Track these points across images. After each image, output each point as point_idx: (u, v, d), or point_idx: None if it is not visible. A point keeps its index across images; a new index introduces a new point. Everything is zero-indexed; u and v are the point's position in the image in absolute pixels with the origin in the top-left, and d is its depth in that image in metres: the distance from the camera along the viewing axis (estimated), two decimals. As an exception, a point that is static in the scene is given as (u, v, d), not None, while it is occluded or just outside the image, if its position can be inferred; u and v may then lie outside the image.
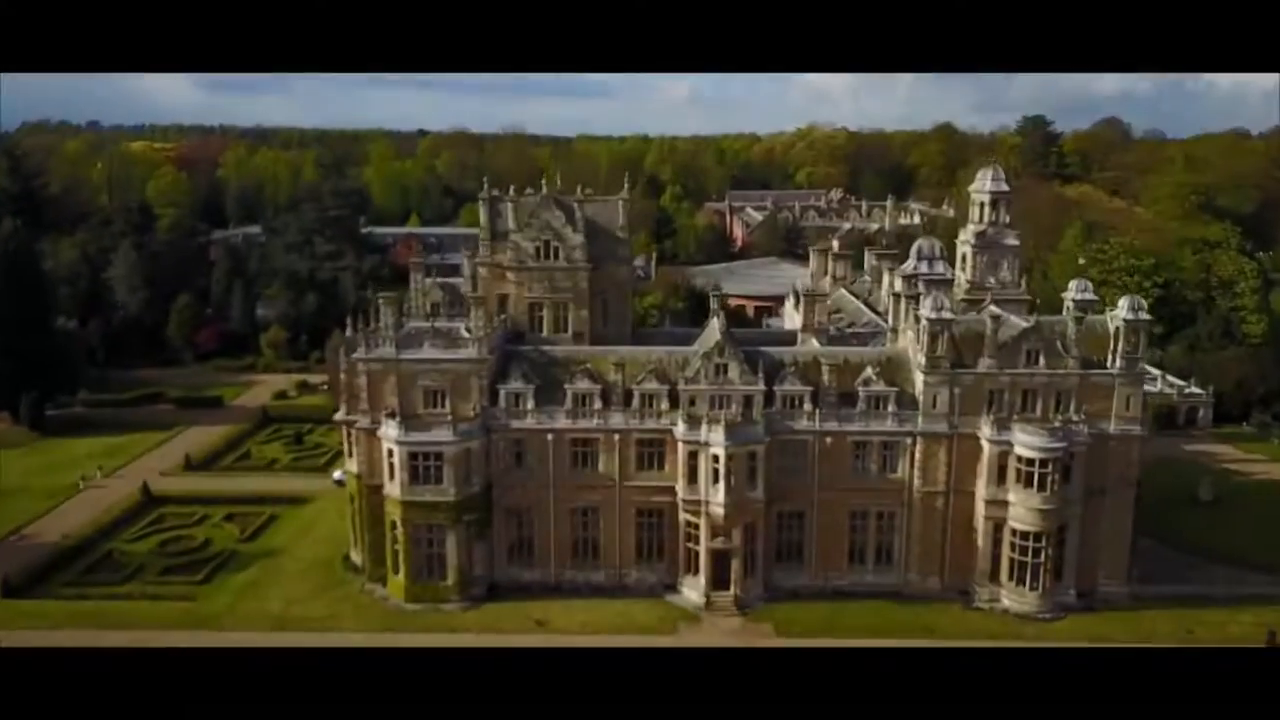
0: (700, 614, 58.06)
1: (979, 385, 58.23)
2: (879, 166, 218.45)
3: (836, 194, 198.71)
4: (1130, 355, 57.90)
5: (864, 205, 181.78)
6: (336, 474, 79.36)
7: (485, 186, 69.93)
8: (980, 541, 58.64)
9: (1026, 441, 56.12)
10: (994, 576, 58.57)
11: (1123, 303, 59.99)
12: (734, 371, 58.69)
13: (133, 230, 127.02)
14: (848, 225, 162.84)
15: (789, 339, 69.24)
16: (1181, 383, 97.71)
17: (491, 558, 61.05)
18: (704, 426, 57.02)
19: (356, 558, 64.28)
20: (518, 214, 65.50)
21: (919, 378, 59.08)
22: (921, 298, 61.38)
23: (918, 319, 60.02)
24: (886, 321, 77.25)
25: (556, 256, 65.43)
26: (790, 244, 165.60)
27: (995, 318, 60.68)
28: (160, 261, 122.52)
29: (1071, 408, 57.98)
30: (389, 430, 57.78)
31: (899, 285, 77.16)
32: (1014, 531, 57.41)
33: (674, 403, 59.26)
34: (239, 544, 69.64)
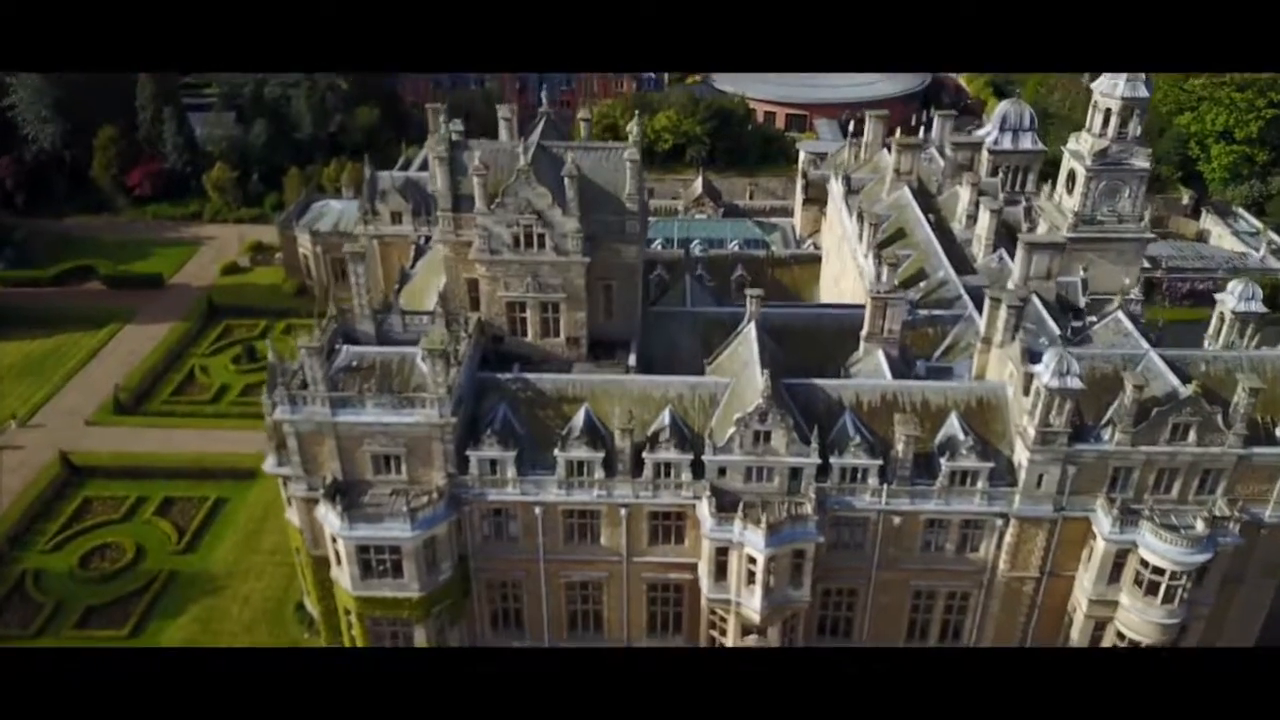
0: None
1: (1101, 462, 44.04)
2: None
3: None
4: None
5: None
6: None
7: (441, 122, 51.10)
8: (1075, 637, 47.23)
9: (1159, 550, 42.99)
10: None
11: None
12: (779, 440, 44.28)
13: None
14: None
15: (847, 335, 52.97)
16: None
17: (474, 629, 50.18)
18: (737, 525, 43.71)
19: (310, 605, 53.47)
20: (488, 183, 47.39)
21: (1020, 445, 44.71)
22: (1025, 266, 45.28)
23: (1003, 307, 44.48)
24: (969, 246, 61.12)
25: (542, 246, 48.36)
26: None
27: (1128, 356, 45.25)
28: (72, 85, 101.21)
29: (1220, 490, 44.23)
30: (329, 517, 44.61)
31: (984, 216, 60.19)
32: (1121, 636, 45.85)
33: (698, 471, 45.49)
34: (175, 555, 58.75)
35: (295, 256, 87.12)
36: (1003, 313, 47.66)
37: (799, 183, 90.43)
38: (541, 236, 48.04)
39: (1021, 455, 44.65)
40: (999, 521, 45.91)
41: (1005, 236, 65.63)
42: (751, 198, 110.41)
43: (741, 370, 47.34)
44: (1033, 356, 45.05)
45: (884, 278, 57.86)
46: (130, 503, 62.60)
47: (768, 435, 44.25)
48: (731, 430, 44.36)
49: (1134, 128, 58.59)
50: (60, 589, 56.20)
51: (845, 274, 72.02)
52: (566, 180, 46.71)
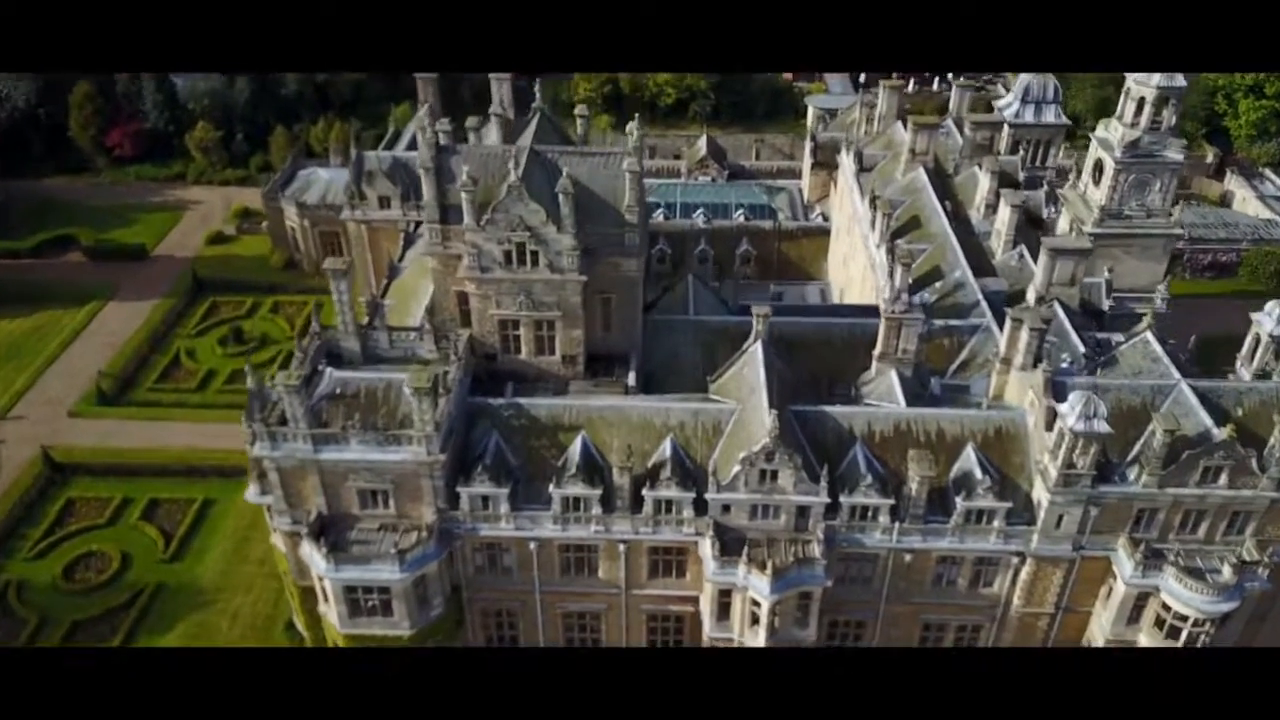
0: None
1: (1125, 504, 41.78)
2: None
3: None
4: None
5: None
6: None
7: (425, 120, 47.56)
8: (1089, 673, 45.61)
9: (1183, 597, 41.02)
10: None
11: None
12: (786, 478, 41.93)
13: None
14: None
15: (858, 346, 50.18)
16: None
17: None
18: (740, 569, 41.66)
19: (299, 624, 51.92)
20: (477, 195, 44.01)
21: (1039, 483, 42.37)
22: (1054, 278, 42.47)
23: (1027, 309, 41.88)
24: (988, 239, 57.90)
25: (535, 263, 45.27)
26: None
27: (1158, 388, 42.64)
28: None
29: (1249, 531, 42.07)
30: (314, 557, 42.61)
31: (1004, 210, 56.84)
32: (1137, 675, 44.20)
33: (700, 507, 43.27)
34: (163, 565, 57.10)
35: (282, 228, 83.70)
36: (1024, 335, 44.82)
37: (807, 145, 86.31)
38: (535, 254, 44.96)
39: (1041, 493, 42.35)
40: (1014, 559, 43.89)
41: (1025, 225, 62.42)
42: (758, 157, 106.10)
43: (748, 397, 44.76)
44: (1056, 389, 42.47)
45: (898, 281, 55.09)
46: (115, 505, 60.66)
47: (774, 474, 41.90)
48: (736, 469, 41.99)
49: (1168, 117, 54.77)
50: (44, 602, 54.65)
51: (855, 257, 68.87)
52: (561, 197, 43.42)
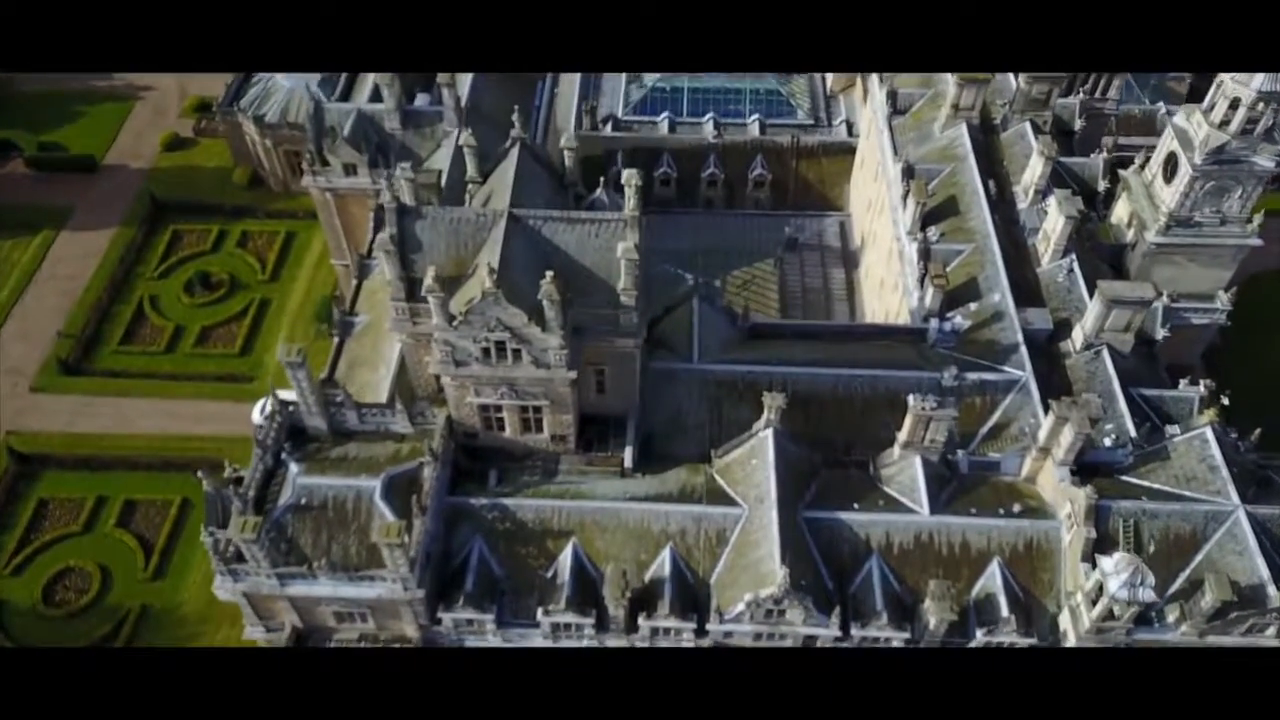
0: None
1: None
2: None
3: None
4: None
5: None
6: (258, 414, 60.70)
7: (386, 189, 40.14)
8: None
9: (1207, 741, 38.92)
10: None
11: None
12: (795, 614, 38.60)
13: None
14: None
15: (880, 406, 44.85)
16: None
17: None
18: (743, 709, 39.30)
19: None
20: (446, 269, 37.37)
21: (1068, 617, 39.08)
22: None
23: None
24: (1032, 234, 51.28)
25: (518, 358, 39.37)
26: None
27: (1211, 515, 38.36)
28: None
29: (1287, 667, 39.29)
30: (291, 682, 40.23)
31: (1056, 216, 49.76)
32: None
33: (700, 628, 40.29)
34: (145, 584, 55.26)
35: (242, 142, 75.01)
36: (1068, 435, 39.95)
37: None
38: (518, 350, 39.11)
39: (1068, 626, 39.21)
40: (1033, 676, 41.48)
41: (1077, 193, 55.12)
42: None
43: (755, 503, 40.58)
44: (1100, 515, 38.31)
45: (929, 300, 49.58)
46: (90, 507, 57.95)
47: (782, 611, 38.62)
48: (741, 608, 38.60)
49: (1265, 122, 46.36)
50: (27, 628, 53.30)
51: (881, 217, 61.94)
52: (546, 303, 36.98)
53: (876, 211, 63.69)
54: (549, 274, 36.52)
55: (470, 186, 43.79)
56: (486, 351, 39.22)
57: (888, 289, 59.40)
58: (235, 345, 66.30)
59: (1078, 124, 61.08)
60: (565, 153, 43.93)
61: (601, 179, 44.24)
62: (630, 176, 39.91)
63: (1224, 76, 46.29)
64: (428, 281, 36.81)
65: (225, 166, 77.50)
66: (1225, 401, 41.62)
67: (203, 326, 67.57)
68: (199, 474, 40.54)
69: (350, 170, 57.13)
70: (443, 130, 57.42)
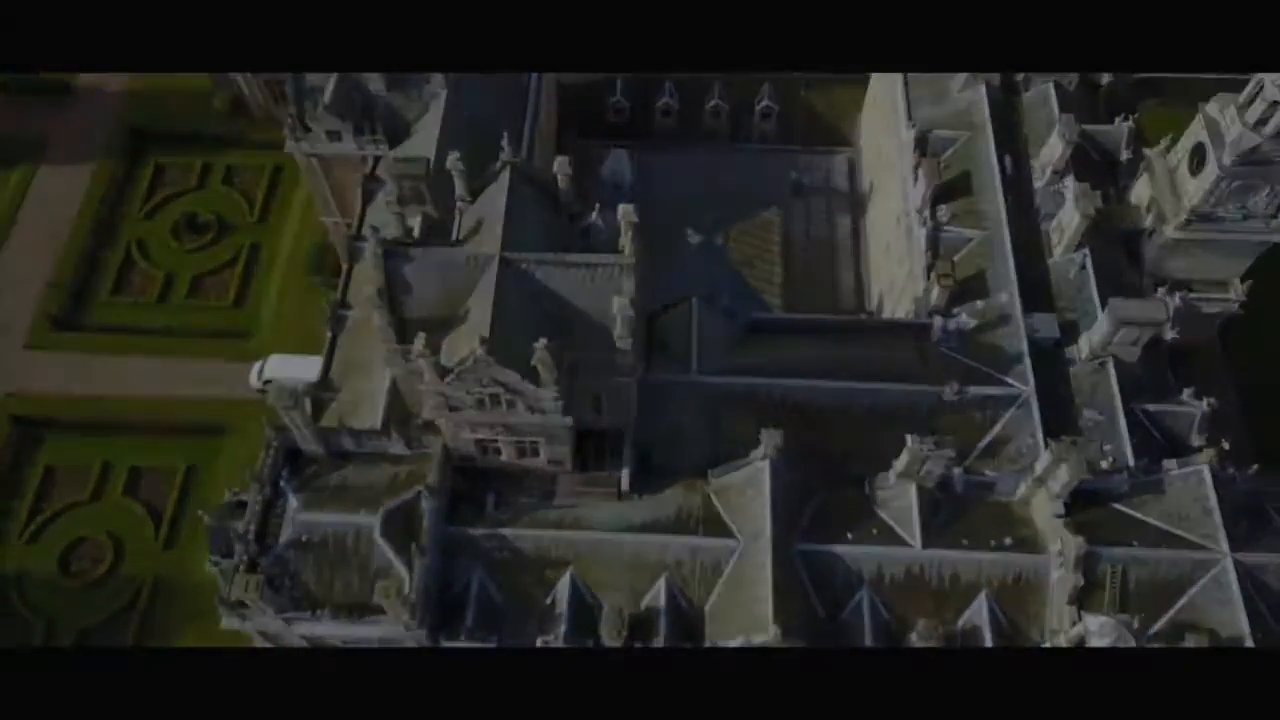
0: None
1: (1138, 680, 40.16)
2: None
3: None
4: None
5: None
6: (255, 377, 60.80)
7: (371, 238, 38.20)
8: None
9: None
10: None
11: None
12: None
13: None
14: None
15: (880, 422, 44.32)
16: None
17: None
18: (734, 734, 41.22)
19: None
20: (434, 323, 36.29)
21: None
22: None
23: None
24: (1048, 220, 49.71)
25: (513, 406, 38.73)
26: None
27: (1199, 564, 38.91)
28: None
29: (1257, 697, 40.95)
30: (303, 702, 42.13)
31: (1072, 211, 47.91)
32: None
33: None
34: (157, 554, 56.79)
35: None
36: (1064, 474, 40.04)
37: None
38: (512, 402, 38.55)
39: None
40: (1012, 694, 43.30)
41: (1098, 162, 53.08)
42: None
43: (750, 539, 41.16)
44: (1089, 560, 38.95)
45: (934, 297, 48.68)
46: (96, 474, 58.69)
47: (774, 649, 39.89)
48: (735, 644, 39.84)
49: (1302, 124, 43.69)
50: (47, 601, 55.11)
51: (890, 173, 59.46)
52: (540, 367, 36.11)
53: (885, 166, 61.07)
54: (542, 341, 35.47)
55: (460, 204, 41.81)
56: (481, 401, 38.67)
57: (893, 259, 57.80)
58: (229, 296, 65.25)
59: (1104, 79, 57.46)
60: (560, 177, 41.59)
61: (597, 205, 41.96)
62: (626, 213, 38.20)
63: (1264, 76, 43.21)
64: (418, 346, 35.80)
65: (203, 89, 73.54)
66: (1226, 446, 41.20)
67: (194, 275, 66.19)
68: (201, 514, 40.98)
69: (334, 136, 54.27)
70: (430, 91, 54.14)
